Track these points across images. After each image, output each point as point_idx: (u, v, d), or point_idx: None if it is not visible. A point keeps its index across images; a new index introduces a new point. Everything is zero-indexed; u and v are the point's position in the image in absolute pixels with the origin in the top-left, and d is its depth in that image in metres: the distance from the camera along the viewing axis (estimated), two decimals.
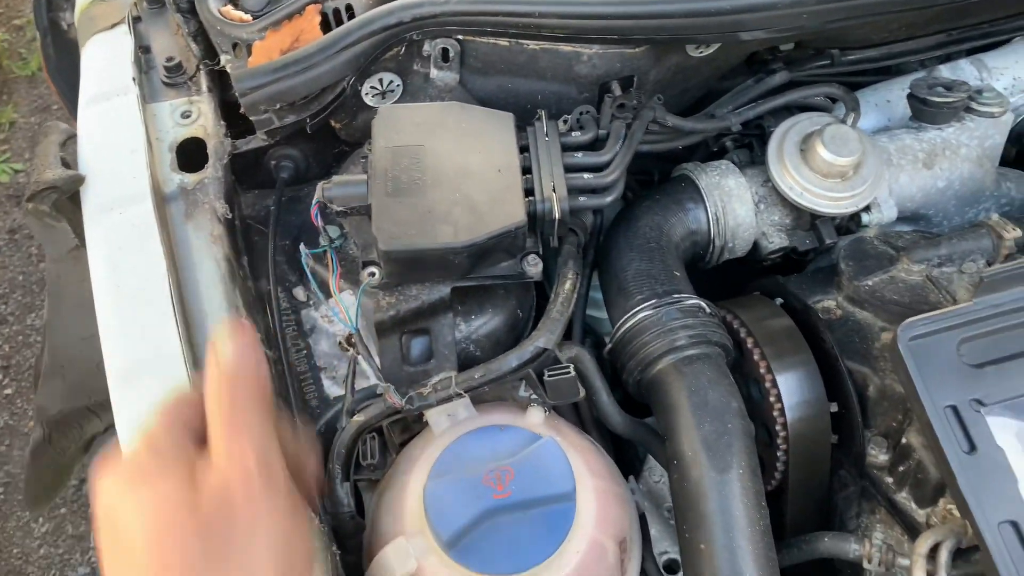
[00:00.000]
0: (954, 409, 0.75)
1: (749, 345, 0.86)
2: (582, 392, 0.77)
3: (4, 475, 2.14)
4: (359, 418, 0.75)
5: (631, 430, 0.82)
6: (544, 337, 0.76)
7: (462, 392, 0.75)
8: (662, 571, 0.79)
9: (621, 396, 0.85)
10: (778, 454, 0.85)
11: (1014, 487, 0.72)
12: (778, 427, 0.84)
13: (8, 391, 2.31)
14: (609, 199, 0.84)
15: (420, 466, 0.73)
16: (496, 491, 0.67)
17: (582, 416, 0.87)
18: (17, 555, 2.05)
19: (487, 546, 0.68)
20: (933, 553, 0.74)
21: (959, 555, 0.75)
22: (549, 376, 0.75)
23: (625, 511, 0.76)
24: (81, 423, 1.00)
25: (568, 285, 0.80)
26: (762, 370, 0.85)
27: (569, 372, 0.75)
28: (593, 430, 0.85)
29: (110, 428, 1.03)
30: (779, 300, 0.91)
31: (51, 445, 1.00)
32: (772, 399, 0.84)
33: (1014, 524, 0.71)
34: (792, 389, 0.84)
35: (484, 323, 0.83)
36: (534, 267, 0.80)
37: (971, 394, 0.75)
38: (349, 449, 0.75)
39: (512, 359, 0.75)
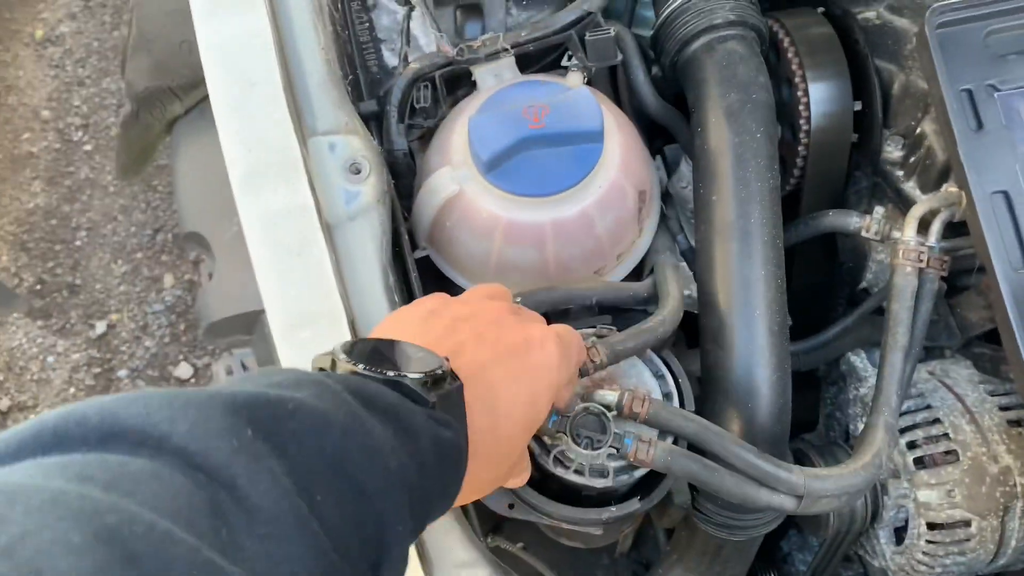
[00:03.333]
0: (969, 92, 0.79)
1: (786, 45, 0.90)
2: (620, 56, 0.83)
3: (87, 221, 2.32)
4: (414, 65, 0.83)
5: (662, 111, 0.89)
6: (587, 1, 0.81)
7: (508, 48, 0.81)
8: None
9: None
10: (799, 149, 0.91)
11: (1012, 164, 0.78)
12: (802, 121, 0.90)
13: (88, 147, 2.46)
14: None
15: (466, 112, 0.81)
16: (532, 122, 0.75)
17: (621, 101, 0.93)
18: (100, 290, 2.26)
19: (522, 171, 0.77)
20: (927, 226, 0.81)
21: (951, 228, 0.81)
22: (590, 36, 0.81)
23: (647, 170, 0.84)
24: (164, 103, 1.11)
25: None
26: (794, 67, 0.89)
27: (609, 32, 0.80)
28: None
29: (191, 110, 1.13)
30: (821, 9, 0.94)
31: (138, 120, 1.11)
32: (800, 94, 0.89)
33: (1006, 194, 0.77)
34: (820, 88, 0.89)
35: (535, 13, 0.89)
36: None
37: (988, 79, 0.79)
38: (405, 93, 0.83)
39: (561, 17, 0.81)
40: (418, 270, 0.86)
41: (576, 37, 0.83)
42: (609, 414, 0.70)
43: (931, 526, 0.82)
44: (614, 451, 0.70)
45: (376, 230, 0.76)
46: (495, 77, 0.84)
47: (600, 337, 0.74)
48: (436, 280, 0.87)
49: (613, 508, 0.72)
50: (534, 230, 0.78)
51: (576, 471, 0.71)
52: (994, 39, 0.80)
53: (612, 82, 0.90)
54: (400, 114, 0.84)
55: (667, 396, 0.76)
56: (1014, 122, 0.79)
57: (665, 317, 0.77)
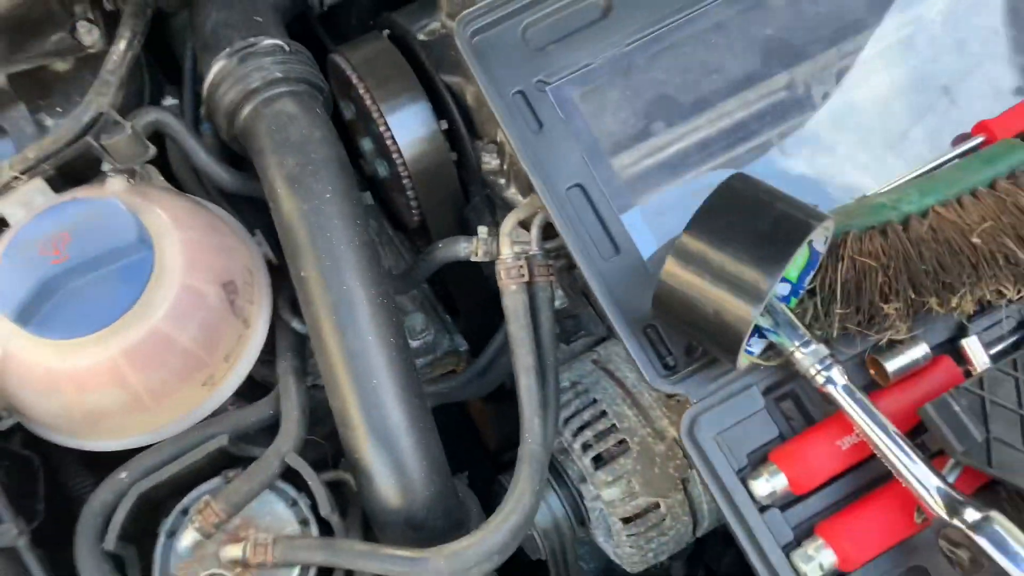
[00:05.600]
0: (522, 94, 0.78)
1: (355, 81, 0.86)
2: (152, 150, 0.75)
3: None
4: None
5: (238, 183, 0.82)
6: (94, 102, 0.72)
7: (19, 175, 0.71)
8: None
9: None
10: (404, 182, 0.87)
11: (580, 155, 0.77)
12: (394, 155, 0.85)
13: None
14: None
15: None
16: (53, 257, 0.66)
17: (206, 187, 0.85)
18: None
19: (65, 312, 0.67)
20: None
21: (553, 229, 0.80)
22: (105, 140, 0.72)
23: (233, 257, 0.77)
24: None
25: (123, 45, 0.75)
26: (368, 103, 0.85)
27: (126, 131, 0.72)
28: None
29: None
30: (387, 31, 0.90)
31: None
32: (382, 129, 0.85)
33: (581, 187, 0.76)
34: (399, 117, 0.85)
35: None
36: (89, 35, 0.75)
37: (536, 76, 0.78)
38: None
39: (68, 127, 0.72)
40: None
41: (97, 143, 0.73)
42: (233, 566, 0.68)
43: (625, 520, 0.81)
44: None
45: None
46: (24, 207, 0.73)
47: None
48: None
49: None
50: (107, 370, 0.69)
51: None
52: (532, 33, 0.79)
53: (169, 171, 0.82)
54: None
55: (304, 523, 0.72)
56: (571, 113, 0.78)
57: (280, 446, 0.72)
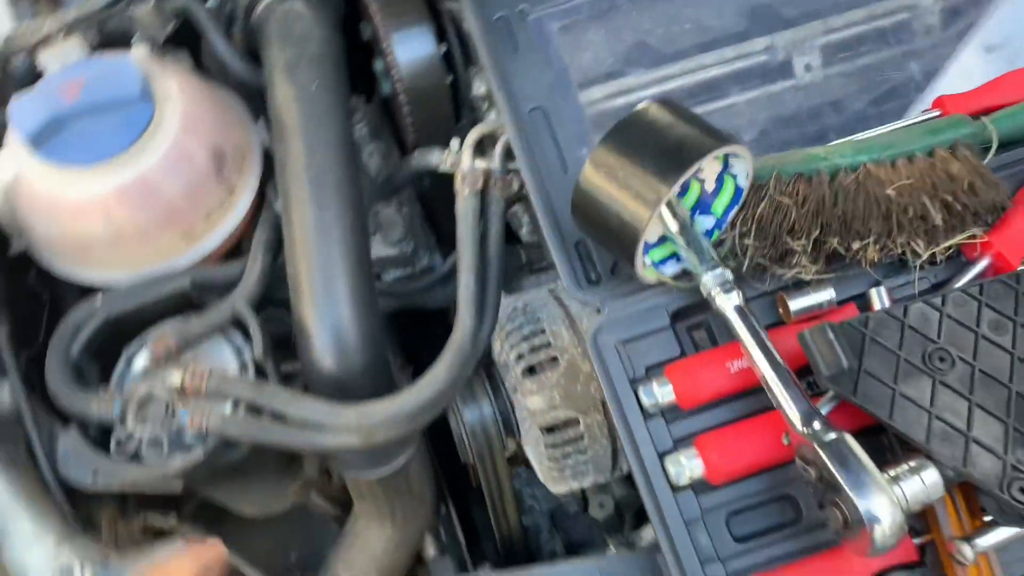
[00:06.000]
0: (504, 19, 0.84)
1: (373, 9, 0.94)
2: (171, 25, 0.85)
3: None
4: None
5: (249, 74, 0.91)
6: None
7: (56, 32, 0.82)
8: None
9: None
10: (404, 109, 0.95)
11: (547, 82, 0.83)
12: (394, 73, 0.93)
13: None
14: None
15: None
16: (68, 98, 0.77)
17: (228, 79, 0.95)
18: None
19: (71, 144, 0.78)
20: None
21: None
22: (132, 9, 0.82)
23: (227, 131, 0.86)
24: None
25: None
26: (376, 23, 0.93)
27: (151, 3, 0.82)
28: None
29: None
30: None
31: None
32: (387, 48, 0.93)
33: (541, 109, 0.82)
34: (402, 38, 0.93)
35: None
36: None
37: (519, 6, 0.84)
38: None
39: None
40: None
41: (134, 14, 0.84)
42: (173, 390, 0.75)
43: (546, 430, 0.86)
44: (173, 426, 0.75)
45: None
46: (59, 61, 0.84)
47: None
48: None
49: (177, 462, 0.74)
50: (98, 201, 0.79)
51: (136, 453, 0.73)
52: None
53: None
54: None
55: (243, 367, 0.80)
56: (547, 43, 0.84)
57: (235, 297, 0.81)
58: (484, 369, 0.94)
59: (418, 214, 1.05)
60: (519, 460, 1.02)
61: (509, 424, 0.91)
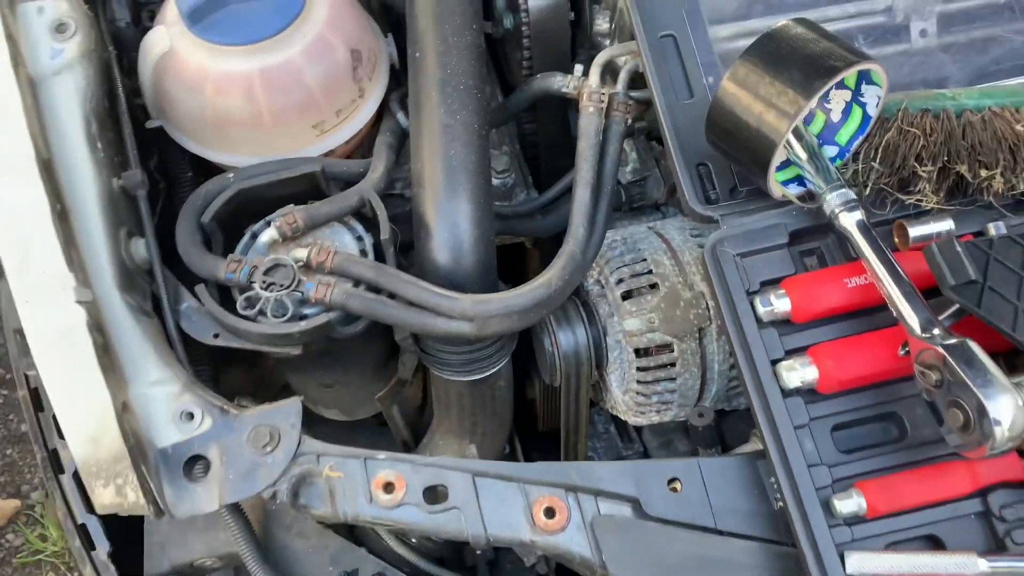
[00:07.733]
0: None
1: None
2: None
3: None
4: None
5: None
6: None
7: None
8: None
9: None
10: (524, 42, 0.98)
11: (680, 9, 0.86)
12: (523, 14, 0.97)
13: None
14: None
15: None
16: None
17: None
18: None
19: (226, 23, 0.82)
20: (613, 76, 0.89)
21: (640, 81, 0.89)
22: None
23: (365, 34, 0.90)
24: None
25: None
26: None
27: None
28: None
29: None
30: None
31: None
32: None
33: (673, 37, 0.85)
34: None
35: None
36: None
37: None
38: None
39: None
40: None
41: None
42: (296, 265, 0.78)
43: (638, 352, 0.88)
44: (299, 294, 0.77)
45: (80, 83, 0.80)
46: None
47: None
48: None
49: (302, 323, 0.77)
50: (242, 80, 0.82)
51: (261, 312, 0.76)
52: None
53: None
54: None
55: (363, 253, 0.83)
56: None
57: (362, 186, 0.84)
58: (578, 298, 0.96)
59: (517, 154, 1.08)
60: (593, 402, 1.04)
61: (600, 352, 0.93)
